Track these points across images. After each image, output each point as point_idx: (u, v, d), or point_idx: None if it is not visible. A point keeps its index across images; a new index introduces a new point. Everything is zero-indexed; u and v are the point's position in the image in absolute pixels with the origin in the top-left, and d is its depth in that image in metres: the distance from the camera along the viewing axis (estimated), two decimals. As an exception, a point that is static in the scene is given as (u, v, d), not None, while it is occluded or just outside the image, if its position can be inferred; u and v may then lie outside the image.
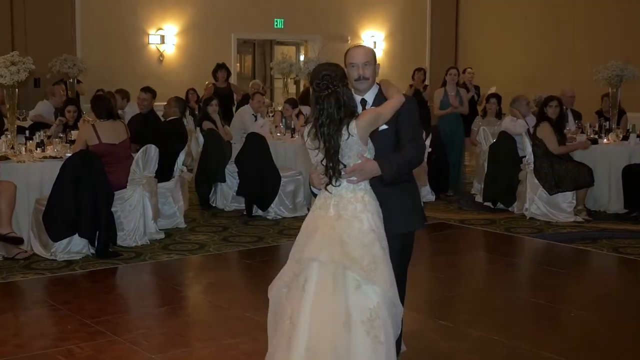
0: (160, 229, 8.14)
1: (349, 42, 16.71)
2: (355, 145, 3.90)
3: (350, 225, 3.85)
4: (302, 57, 17.23)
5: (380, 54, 17.74)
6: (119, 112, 9.77)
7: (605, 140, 9.82)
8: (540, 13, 16.25)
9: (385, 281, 3.80)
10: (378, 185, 4.01)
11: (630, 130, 9.87)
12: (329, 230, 3.86)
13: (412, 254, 4.29)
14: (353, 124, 3.88)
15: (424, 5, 18.12)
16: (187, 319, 5.75)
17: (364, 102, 4.19)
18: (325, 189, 3.96)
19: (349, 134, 3.87)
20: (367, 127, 3.91)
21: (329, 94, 3.88)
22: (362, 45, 4.38)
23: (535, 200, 9.09)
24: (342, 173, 3.91)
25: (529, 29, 16.35)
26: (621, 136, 9.80)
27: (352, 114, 3.91)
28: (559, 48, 15.65)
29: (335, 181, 3.92)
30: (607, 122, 10.42)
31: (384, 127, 4.04)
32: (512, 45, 16.60)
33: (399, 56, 17.73)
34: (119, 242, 7.59)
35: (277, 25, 16.26)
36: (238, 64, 16.86)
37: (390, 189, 4.04)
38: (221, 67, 12.65)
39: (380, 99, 4.15)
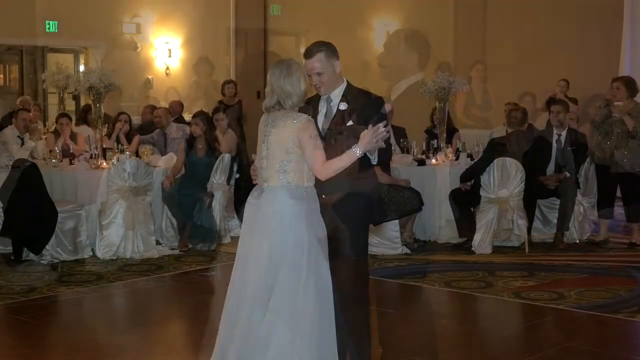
0: None
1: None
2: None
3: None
4: (82, 67, 16.97)
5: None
6: None
7: (433, 160, 10.27)
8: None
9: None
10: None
11: (460, 148, 10.43)
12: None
13: None
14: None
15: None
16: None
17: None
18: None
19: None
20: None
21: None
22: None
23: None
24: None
25: (582, 13, 15.49)
26: (450, 156, 10.29)
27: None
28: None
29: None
30: (436, 140, 10.77)
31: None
32: (558, 35, 15.74)
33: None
34: None
35: (49, 28, 15.87)
36: (1, 75, 16.36)
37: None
38: None
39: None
